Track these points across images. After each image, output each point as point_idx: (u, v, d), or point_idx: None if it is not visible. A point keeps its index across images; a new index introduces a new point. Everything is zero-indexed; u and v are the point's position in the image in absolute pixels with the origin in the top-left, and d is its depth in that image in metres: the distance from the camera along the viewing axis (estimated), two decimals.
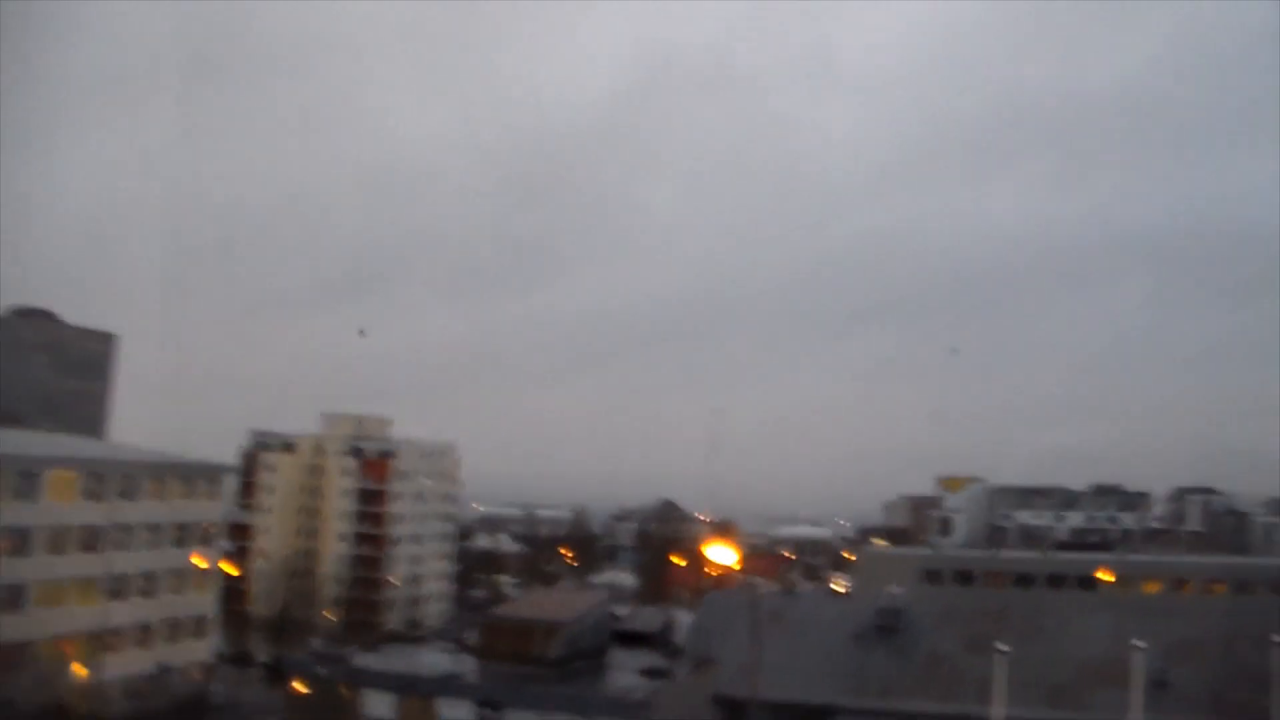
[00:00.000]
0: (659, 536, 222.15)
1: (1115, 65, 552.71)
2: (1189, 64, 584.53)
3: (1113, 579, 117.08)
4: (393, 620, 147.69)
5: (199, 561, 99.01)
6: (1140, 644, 35.26)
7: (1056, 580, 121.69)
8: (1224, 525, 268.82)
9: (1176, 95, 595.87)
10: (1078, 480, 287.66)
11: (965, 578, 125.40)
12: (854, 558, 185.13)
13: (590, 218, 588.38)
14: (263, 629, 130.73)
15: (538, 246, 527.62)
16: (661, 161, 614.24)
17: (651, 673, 57.36)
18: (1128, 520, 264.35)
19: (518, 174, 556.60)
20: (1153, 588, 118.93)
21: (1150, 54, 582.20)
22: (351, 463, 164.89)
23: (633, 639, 67.38)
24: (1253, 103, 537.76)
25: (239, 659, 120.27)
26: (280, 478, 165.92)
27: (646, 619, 74.84)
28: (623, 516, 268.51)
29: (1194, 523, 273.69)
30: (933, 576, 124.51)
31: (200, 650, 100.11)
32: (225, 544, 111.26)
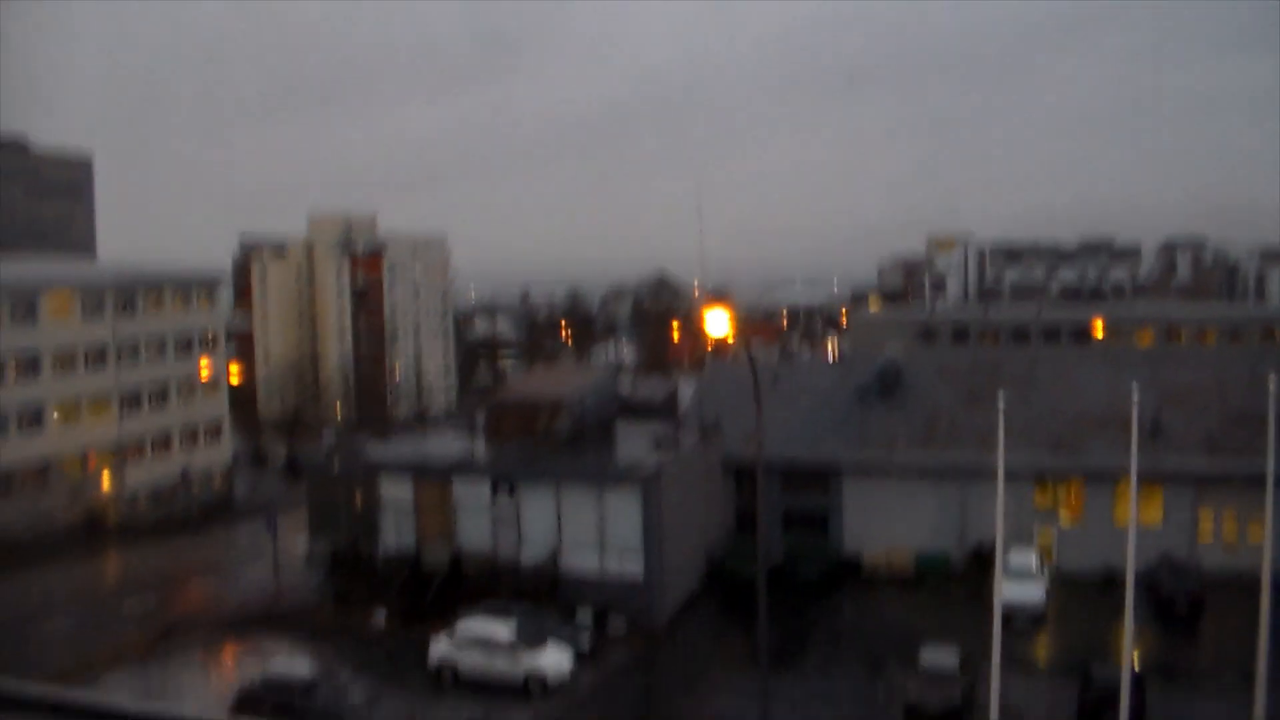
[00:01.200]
0: (655, 310, 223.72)
1: None
2: None
3: (1106, 332, 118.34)
4: (401, 410, 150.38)
5: (205, 369, 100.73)
6: (1135, 392, 36.44)
7: (1051, 335, 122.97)
8: (1213, 276, 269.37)
9: None
10: (1068, 236, 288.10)
11: (960, 336, 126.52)
12: (849, 321, 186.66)
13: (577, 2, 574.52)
14: (274, 429, 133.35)
15: (517, 33, 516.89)
16: None
17: (659, 443, 58.82)
18: (1119, 274, 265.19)
19: None
20: (1146, 339, 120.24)
21: None
22: (343, 261, 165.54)
23: (638, 411, 68.46)
24: None
25: (255, 459, 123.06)
26: (274, 281, 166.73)
27: (650, 391, 75.91)
28: (618, 292, 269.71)
29: (1184, 274, 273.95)
30: (928, 336, 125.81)
31: (218, 454, 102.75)
32: (228, 351, 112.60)
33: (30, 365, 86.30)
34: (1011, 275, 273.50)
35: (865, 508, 64.04)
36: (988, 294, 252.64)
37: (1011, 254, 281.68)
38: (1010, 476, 46.05)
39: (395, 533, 57.12)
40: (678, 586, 56.08)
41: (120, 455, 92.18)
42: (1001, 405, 36.79)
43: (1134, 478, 35.02)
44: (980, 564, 57.44)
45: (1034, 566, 55.69)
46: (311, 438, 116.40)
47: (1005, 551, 45.53)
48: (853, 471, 64.56)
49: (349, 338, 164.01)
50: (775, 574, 55.24)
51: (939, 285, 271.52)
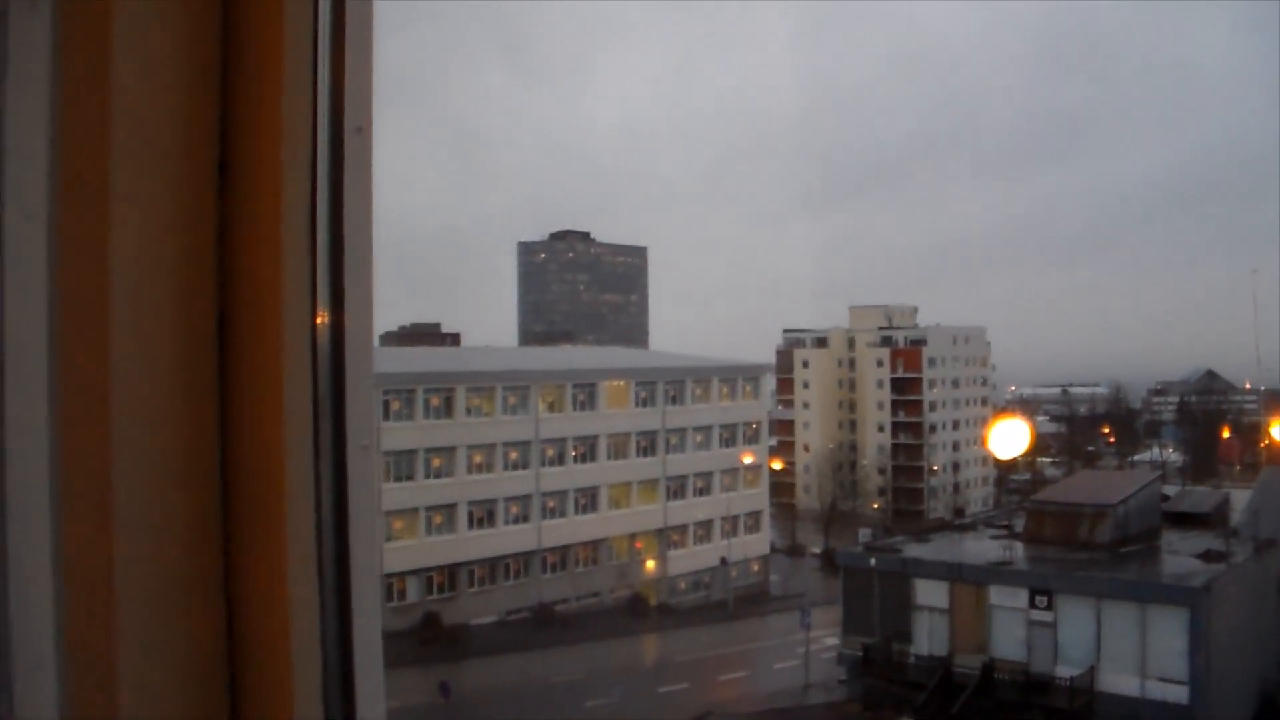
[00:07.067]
0: (1202, 410, 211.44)
1: None
2: None
3: None
4: (936, 508, 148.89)
5: (748, 459, 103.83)
6: None
7: None
8: None
9: None
10: None
11: None
12: None
13: (1132, 80, 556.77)
14: (810, 521, 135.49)
15: (1075, 116, 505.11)
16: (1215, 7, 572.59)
17: (1208, 556, 55.33)
18: None
19: (1056, 40, 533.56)
20: None
21: None
22: (883, 353, 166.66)
23: (1184, 520, 64.90)
24: None
25: (791, 551, 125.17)
26: (815, 373, 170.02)
27: (1198, 499, 71.76)
28: (1162, 391, 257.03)
29: None
30: None
31: (756, 544, 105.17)
32: (769, 441, 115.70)
33: (589, 449, 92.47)
34: None
35: None
36: None
37: None
38: None
39: (927, 635, 56.64)
40: (1227, 716, 52.28)
41: (663, 539, 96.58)
42: None
43: None
44: None
45: None
46: (847, 532, 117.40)
47: None
48: None
49: (888, 430, 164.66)
50: None
51: None
